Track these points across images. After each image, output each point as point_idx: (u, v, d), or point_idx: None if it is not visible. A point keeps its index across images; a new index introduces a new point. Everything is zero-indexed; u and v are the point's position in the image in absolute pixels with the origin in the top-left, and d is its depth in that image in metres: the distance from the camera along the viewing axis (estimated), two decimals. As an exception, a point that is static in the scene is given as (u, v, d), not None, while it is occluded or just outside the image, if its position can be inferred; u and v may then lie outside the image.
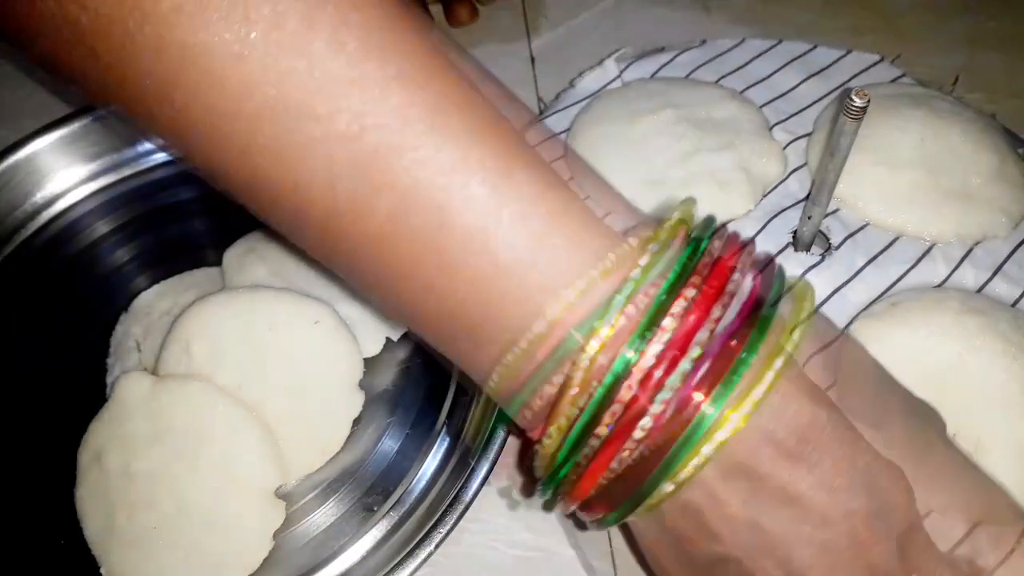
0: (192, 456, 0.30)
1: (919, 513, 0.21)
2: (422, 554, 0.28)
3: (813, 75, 0.43)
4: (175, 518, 0.29)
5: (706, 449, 0.20)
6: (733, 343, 0.20)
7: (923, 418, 0.23)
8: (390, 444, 0.33)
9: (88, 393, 0.34)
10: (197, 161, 0.22)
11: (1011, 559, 0.21)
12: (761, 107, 0.41)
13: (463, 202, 0.20)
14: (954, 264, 0.35)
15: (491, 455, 0.30)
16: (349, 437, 0.33)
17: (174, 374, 0.32)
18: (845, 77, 0.42)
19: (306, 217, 0.22)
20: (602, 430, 0.20)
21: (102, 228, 0.39)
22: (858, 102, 0.28)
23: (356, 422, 0.33)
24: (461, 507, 0.29)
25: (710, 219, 0.22)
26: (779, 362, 0.20)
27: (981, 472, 0.23)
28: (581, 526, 0.31)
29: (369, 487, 0.32)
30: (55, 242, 0.39)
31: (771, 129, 0.40)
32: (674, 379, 0.20)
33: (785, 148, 0.39)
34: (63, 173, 0.40)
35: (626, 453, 0.21)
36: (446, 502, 0.29)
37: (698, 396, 0.20)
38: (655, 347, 0.20)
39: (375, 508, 0.31)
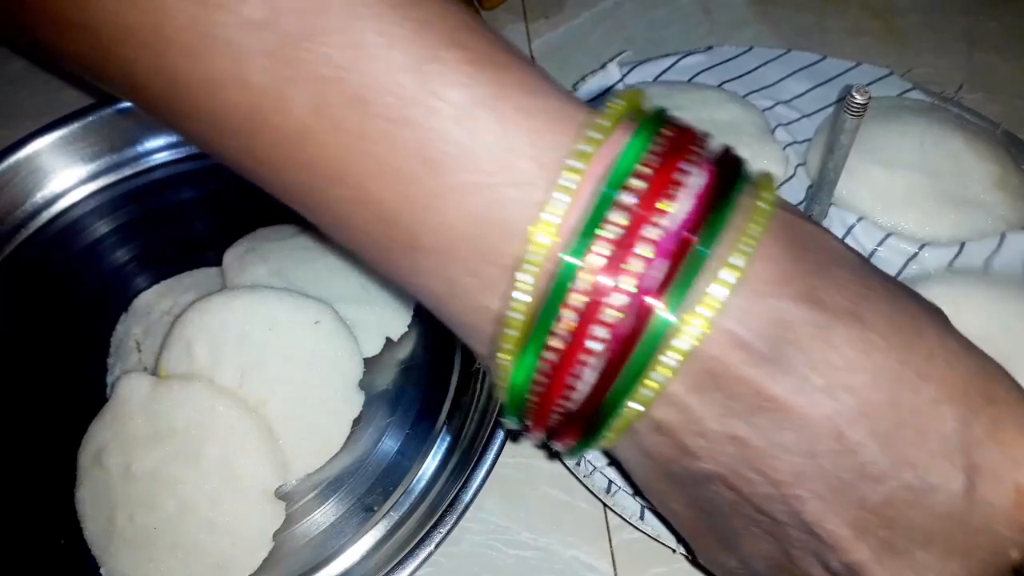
0: (193, 456, 0.30)
1: (907, 405, 0.19)
2: (422, 554, 0.28)
3: (819, 85, 0.42)
4: (175, 518, 0.29)
5: (668, 360, 0.18)
6: (688, 236, 0.18)
7: (913, 302, 0.20)
8: (390, 444, 0.33)
9: (88, 393, 0.34)
10: (111, 72, 0.21)
11: (1009, 447, 0.19)
12: (763, 112, 0.41)
13: (383, 89, 0.18)
14: (947, 260, 0.35)
15: (491, 455, 0.30)
16: (349, 437, 0.33)
17: (174, 374, 0.32)
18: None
19: (224, 121, 0.20)
20: (557, 343, 0.19)
21: (102, 228, 0.39)
22: (859, 99, 0.28)
23: (356, 422, 0.33)
24: (461, 507, 0.29)
25: (661, 111, 0.20)
26: (739, 259, 0.18)
27: (980, 355, 0.20)
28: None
29: (369, 487, 0.32)
30: (55, 242, 0.39)
31: (772, 132, 0.40)
32: (625, 283, 0.18)
33: (785, 150, 0.39)
34: (63, 173, 0.40)
35: (584, 371, 0.19)
36: (446, 502, 0.29)
37: (652, 301, 0.18)
38: (599, 251, 0.18)
39: (375, 508, 0.31)
